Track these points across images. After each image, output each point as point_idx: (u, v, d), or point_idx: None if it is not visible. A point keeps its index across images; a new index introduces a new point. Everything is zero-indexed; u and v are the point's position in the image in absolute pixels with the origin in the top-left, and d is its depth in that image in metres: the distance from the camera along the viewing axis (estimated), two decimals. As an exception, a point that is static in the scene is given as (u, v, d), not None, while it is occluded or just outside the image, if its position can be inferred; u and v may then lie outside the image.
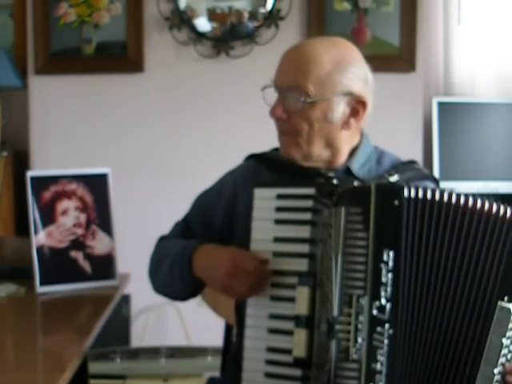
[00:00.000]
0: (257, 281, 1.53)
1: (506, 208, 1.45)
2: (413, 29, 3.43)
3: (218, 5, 3.40)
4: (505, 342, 1.44)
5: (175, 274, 1.71)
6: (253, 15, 3.41)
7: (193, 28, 3.40)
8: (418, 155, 3.41)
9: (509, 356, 1.46)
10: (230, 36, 3.40)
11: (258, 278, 1.53)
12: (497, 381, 1.45)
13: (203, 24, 3.42)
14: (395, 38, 3.42)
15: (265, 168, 1.73)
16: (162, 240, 1.85)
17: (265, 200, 1.57)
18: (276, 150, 1.76)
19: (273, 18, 3.40)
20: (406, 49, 3.42)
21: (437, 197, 1.43)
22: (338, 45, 1.67)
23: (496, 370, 1.45)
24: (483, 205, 1.44)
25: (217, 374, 1.98)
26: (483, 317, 1.44)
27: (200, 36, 3.41)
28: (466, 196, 1.45)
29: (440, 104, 3.49)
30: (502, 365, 1.45)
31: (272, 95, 1.67)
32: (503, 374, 1.45)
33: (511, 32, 3.59)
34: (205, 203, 1.81)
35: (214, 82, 3.45)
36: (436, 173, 3.46)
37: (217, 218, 1.77)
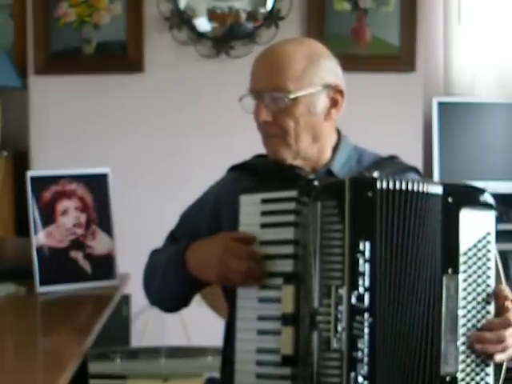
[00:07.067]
0: (251, 265, 1.55)
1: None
2: (413, 29, 3.43)
3: (217, 5, 3.40)
4: (460, 312, 1.48)
5: (170, 278, 1.74)
6: (253, 15, 3.41)
7: (193, 28, 3.40)
8: (418, 155, 3.41)
9: (469, 325, 1.49)
10: (229, 36, 3.41)
11: (252, 262, 1.55)
12: (463, 352, 1.48)
13: (203, 24, 3.42)
14: (395, 38, 3.42)
15: (245, 176, 1.76)
16: (154, 253, 1.89)
17: (250, 205, 1.60)
18: (258, 156, 1.80)
19: (273, 18, 3.40)
20: (406, 49, 3.42)
21: (410, 187, 1.48)
22: (305, 42, 1.75)
23: (459, 342, 1.48)
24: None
25: (216, 373, 1.98)
26: (437, 294, 1.48)
27: (200, 36, 3.41)
28: (434, 184, 1.50)
29: (440, 104, 3.49)
30: (465, 335, 1.48)
31: (250, 104, 1.70)
32: (469, 343, 1.48)
33: (511, 32, 3.60)
34: (189, 219, 1.86)
35: (214, 82, 3.45)
36: (436, 173, 3.46)
37: (202, 231, 1.80)
